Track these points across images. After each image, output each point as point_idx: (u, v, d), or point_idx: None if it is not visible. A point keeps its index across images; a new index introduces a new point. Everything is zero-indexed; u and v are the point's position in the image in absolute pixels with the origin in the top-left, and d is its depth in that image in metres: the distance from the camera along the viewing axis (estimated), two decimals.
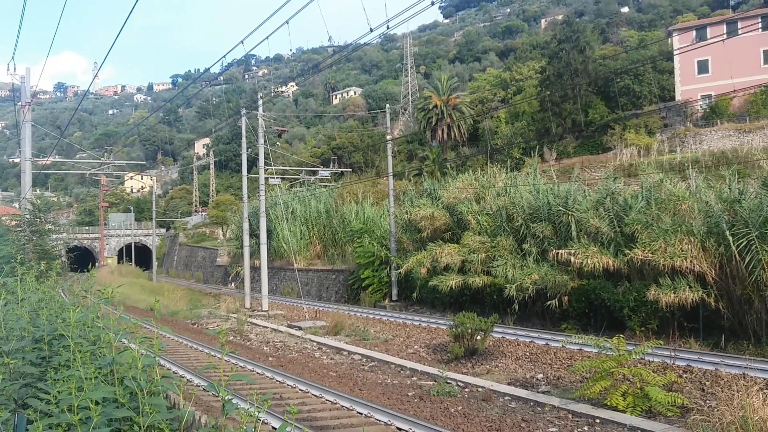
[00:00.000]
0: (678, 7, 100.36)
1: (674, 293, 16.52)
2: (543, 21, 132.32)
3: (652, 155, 43.77)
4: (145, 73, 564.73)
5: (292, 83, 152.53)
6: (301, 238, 44.34)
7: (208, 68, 21.55)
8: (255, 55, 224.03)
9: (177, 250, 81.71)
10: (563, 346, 16.52)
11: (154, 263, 68.28)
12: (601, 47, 71.46)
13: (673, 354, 14.49)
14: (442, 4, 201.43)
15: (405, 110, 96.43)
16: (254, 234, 38.78)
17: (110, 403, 3.77)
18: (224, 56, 15.48)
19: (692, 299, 16.43)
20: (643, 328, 17.85)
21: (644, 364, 13.51)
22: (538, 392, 13.64)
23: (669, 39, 61.32)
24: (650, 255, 17.60)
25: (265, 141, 32.56)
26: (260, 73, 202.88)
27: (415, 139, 74.33)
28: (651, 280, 17.99)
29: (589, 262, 19.20)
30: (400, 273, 29.46)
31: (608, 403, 11.78)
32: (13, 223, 33.36)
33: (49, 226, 33.94)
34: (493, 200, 26.12)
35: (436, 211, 28.47)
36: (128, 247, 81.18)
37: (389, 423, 11.11)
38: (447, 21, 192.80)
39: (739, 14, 51.35)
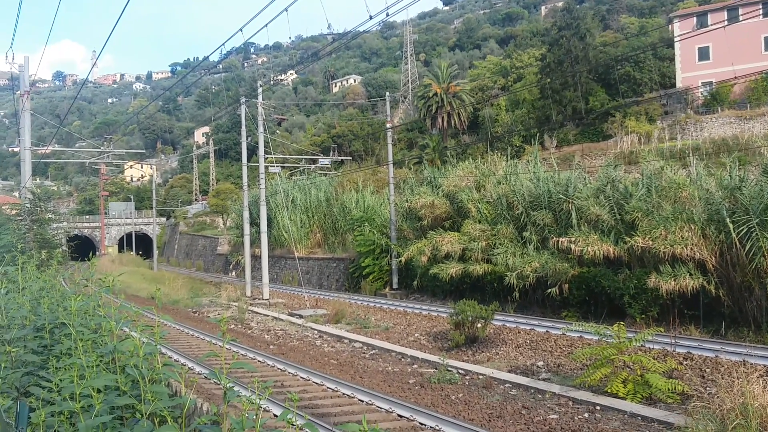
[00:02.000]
0: None
1: (674, 280, 16.52)
2: (543, 8, 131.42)
3: (652, 142, 43.66)
4: (144, 61, 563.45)
5: (292, 71, 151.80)
6: (301, 227, 44.34)
7: (207, 56, 21.52)
8: (254, 43, 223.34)
9: (177, 238, 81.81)
10: (564, 334, 16.58)
11: (155, 252, 68.34)
12: (601, 34, 71.03)
13: (673, 341, 14.53)
14: None
15: (405, 98, 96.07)
16: (254, 223, 38.78)
17: (112, 391, 3.78)
18: (223, 44, 15.40)
19: (692, 286, 16.43)
20: (643, 316, 17.88)
21: (644, 352, 13.55)
22: (539, 379, 13.68)
23: (670, 26, 60.93)
24: (651, 242, 17.59)
25: (264, 129, 32.50)
26: (259, 61, 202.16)
27: (415, 127, 74.13)
28: (651, 268, 18.00)
29: (589, 249, 19.21)
30: (400, 261, 29.48)
31: (609, 390, 11.82)
32: (14, 212, 33.40)
33: (50, 215, 33.99)
34: (493, 188, 26.07)
35: (436, 200, 28.42)
36: (129, 236, 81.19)
37: (390, 410, 11.16)
38: (447, 8, 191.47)
39: (740, 1, 50.98)
